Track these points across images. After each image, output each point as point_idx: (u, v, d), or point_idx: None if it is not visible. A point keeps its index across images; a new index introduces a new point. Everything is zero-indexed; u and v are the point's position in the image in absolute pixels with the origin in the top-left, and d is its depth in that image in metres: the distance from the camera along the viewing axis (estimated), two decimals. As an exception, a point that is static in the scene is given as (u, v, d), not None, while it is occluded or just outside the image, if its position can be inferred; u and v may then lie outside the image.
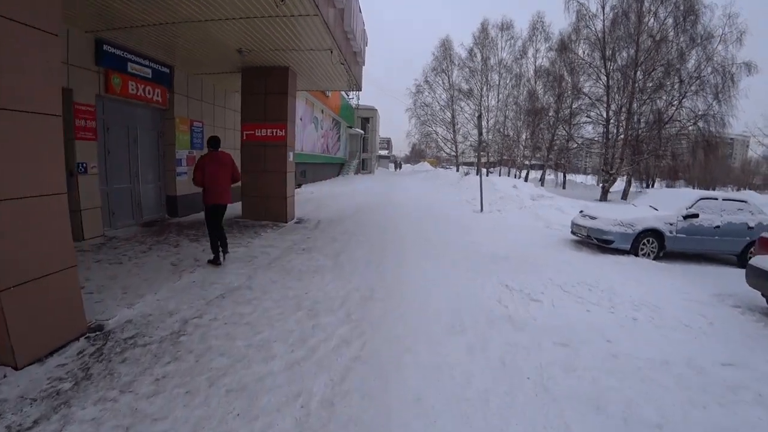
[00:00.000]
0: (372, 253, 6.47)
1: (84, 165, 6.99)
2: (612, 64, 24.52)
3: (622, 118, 24.33)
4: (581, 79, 27.13)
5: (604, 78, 24.89)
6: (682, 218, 7.42)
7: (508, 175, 39.48)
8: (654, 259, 7.36)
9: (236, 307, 4.23)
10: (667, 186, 30.53)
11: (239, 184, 7.34)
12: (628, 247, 7.31)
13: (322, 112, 23.66)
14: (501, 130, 39.15)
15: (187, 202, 9.95)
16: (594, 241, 7.63)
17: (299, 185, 18.66)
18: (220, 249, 5.88)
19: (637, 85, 23.00)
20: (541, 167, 44.32)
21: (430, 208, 12.42)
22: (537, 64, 37.37)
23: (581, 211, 8.63)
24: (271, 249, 6.90)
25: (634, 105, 23.38)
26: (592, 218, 7.84)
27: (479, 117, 11.98)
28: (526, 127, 38.28)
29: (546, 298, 4.70)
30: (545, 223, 10.49)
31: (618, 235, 7.28)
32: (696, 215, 7.42)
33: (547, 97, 36.26)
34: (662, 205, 7.96)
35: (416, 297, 4.50)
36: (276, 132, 9.38)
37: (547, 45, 36.49)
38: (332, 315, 3.92)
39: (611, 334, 3.84)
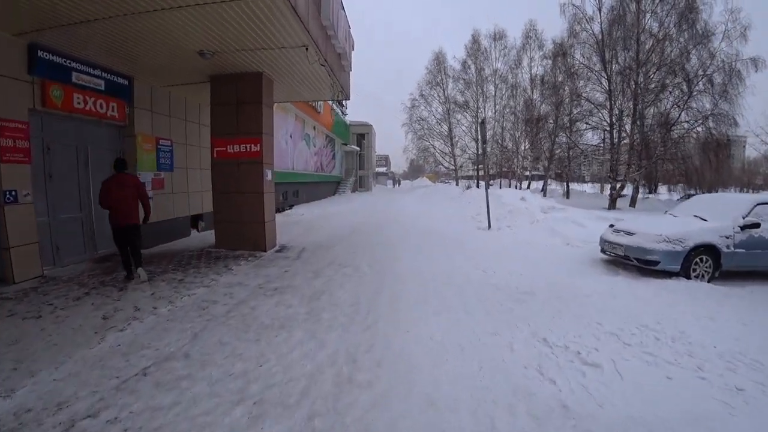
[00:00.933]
0: (360, 293, 5.04)
1: (13, 193, 5.66)
2: (612, 66, 23.42)
3: (627, 121, 23.11)
4: (580, 84, 26.00)
5: (605, 82, 23.75)
6: (739, 229, 5.99)
7: (509, 187, 38.25)
8: (709, 281, 5.91)
9: (154, 395, 2.84)
10: (669, 190, 29.11)
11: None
12: (677, 268, 5.85)
13: (314, 128, 22.47)
14: (499, 141, 38.04)
15: (154, 231, 8.58)
16: (633, 261, 6.18)
17: (291, 206, 17.30)
18: (133, 265, 5.95)
19: (640, 86, 21.80)
20: (542, 177, 43.17)
21: (431, 227, 11.02)
22: (532, 72, 36.53)
23: (612, 226, 7.19)
24: (237, 289, 5.49)
25: (639, 107, 22.12)
26: (629, 234, 6.39)
27: (482, 123, 10.67)
28: (525, 137, 37.23)
29: (604, 358, 3.25)
30: (563, 239, 9.07)
31: (664, 254, 5.83)
32: (757, 224, 5.99)
33: (544, 105, 35.35)
34: (710, 213, 6.53)
35: (419, 376, 3.05)
36: (250, 147, 8.05)
37: (541, 53, 35.73)
38: (285, 418, 2.47)
39: (722, 427, 2.41)
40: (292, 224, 11.79)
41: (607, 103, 24.00)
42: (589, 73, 24.95)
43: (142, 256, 6.15)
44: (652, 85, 21.84)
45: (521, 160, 38.06)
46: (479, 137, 10.74)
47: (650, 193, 36.19)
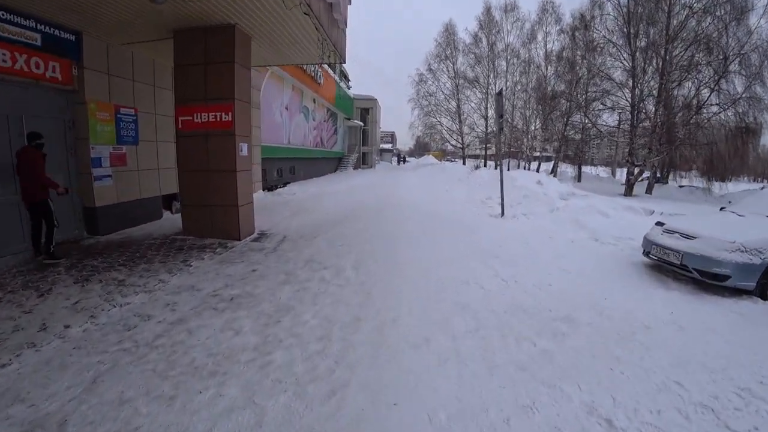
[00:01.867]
0: (335, 317, 3.69)
1: None
2: (637, 42, 21.45)
3: (649, 102, 21.30)
4: (600, 61, 24.04)
5: (628, 58, 21.84)
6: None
7: (518, 169, 36.58)
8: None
9: None
10: (680, 177, 27.17)
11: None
12: (752, 286, 4.49)
13: (314, 101, 20.87)
14: (509, 120, 36.16)
15: (114, 214, 7.31)
16: (692, 273, 4.81)
17: (285, 184, 15.94)
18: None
19: (667, 64, 19.91)
20: (550, 159, 41.43)
21: (436, 212, 9.65)
22: (548, 48, 34.39)
23: (660, 224, 5.75)
24: (184, 298, 4.22)
25: (665, 87, 20.24)
26: (687, 237, 4.99)
27: (499, 94, 9.14)
28: (537, 117, 35.39)
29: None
30: (590, 233, 7.68)
31: (738, 267, 4.40)
32: None
33: (558, 83, 33.43)
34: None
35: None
36: (221, 116, 6.64)
37: (558, 27, 33.60)
38: None
39: None
40: (280, 205, 10.46)
41: (629, 82, 22.17)
42: (611, 49, 23.00)
43: (94, 245, 5.40)
44: (683, 62, 19.88)
45: (531, 140, 36.29)
46: (494, 111, 9.16)
47: (661, 179, 34.64)
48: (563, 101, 31.92)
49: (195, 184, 6.92)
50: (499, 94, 9.09)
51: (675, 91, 20.67)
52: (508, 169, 34.69)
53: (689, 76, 20.03)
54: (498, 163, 9.46)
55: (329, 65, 24.43)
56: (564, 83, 32.06)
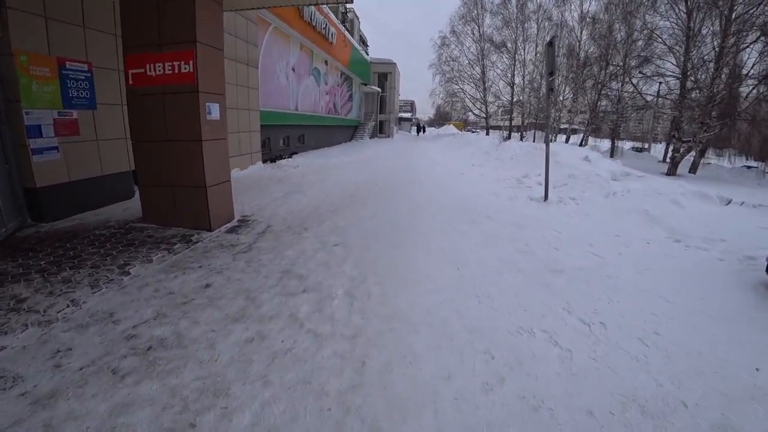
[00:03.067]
0: (300, 413, 2.08)
1: None
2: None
3: (704, 70, 18.55)
4: (645, 21, 21.14)
5: (683, 15, 18.95)
6: None
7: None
8: None
9: None
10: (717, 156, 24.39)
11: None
12: None
13: (326, 63, 18.82)
14: (537, 88, 33.35)
15: (63, 195, 5.76)
16: None
17: (291, 155, 14.23)
18: None
19: (733, 23, 17.08)
20: (575, 132, 38.62)
21: (464, 195, 7.85)
22: (583, 8, 31.08)
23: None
24: (85, 341, 2.66)
25: (732, 49, 17.43)
26: None
27: (550, 44, 7.04)
28: (566, 86, 32.48)
29: None
30: (666, 229, 5.82)
31: None
32: None
33: (592, 49, 30.39)
34: None
35: None
36: (179, 67, 4.90)
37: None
38: None
39: None
40: (277, 181, 8.81)
41: (681, 45, 19.36)
42: (663, 4, 20.06)
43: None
44: (756, 20, 16.95)
45: (559, 111, 33.44)
46: (544, 66, 7.16)
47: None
48: (596, 69, 29.21)
49: (152, 159, 5.28)
50: (551, 44, 7.03)
51: (740, 55, 17.87)
52: (534, 141, 32.33)
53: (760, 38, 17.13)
54: (546, 135, 7.50)
55: (342, 21, 22.17)
56: (599, 48, 29.20)
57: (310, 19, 14.73)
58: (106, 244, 4.77)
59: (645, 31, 20.93)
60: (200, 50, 4.83)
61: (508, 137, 26.45)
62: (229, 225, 5.61)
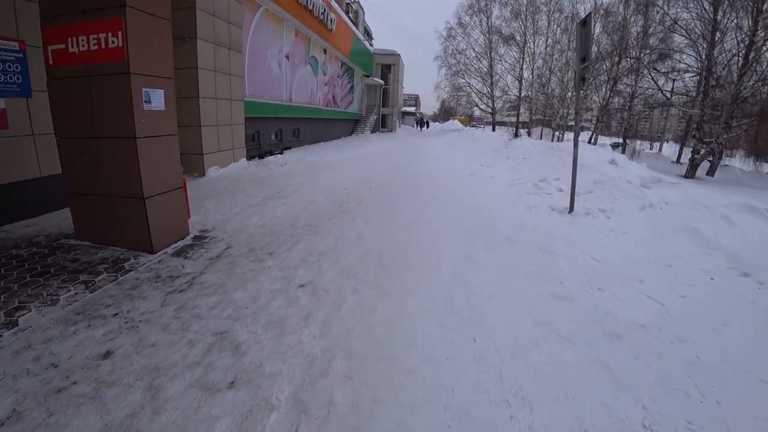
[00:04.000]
0: None
1: None
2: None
3: (731, 65, 17.13)
4: (666, 11, 19.68)
5: (708, 6, 17.49)
6: None
7: (553, 139, 32.61)
8: None
9: None
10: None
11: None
12: None
13: (325, 52, 17.53)
14: (546, 84, 31.93)
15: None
16: None
17: (282, 150, 13.02)
18: None
19: (763, 16, 15.64)
20: (582, 129, 37.21)
21: (474, 202, 6.68)
22: (597, 1, 29.51)
23: None
24: None
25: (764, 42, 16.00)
26: None
27: (584, 24, 5.72)
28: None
29: None
30: (727, 257, 4.59)
31: None
32: None
33: (604, 44, 28.94)
34: None
35: None
36: (105, 40, 3.69)
37: (609, -26, 28.70)
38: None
39: None
40: (255, 183, 7.62)
41: (705, 39, 17.93)
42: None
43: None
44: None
45: (567, 107, 32.00)
46: (576, 51, 5.87)
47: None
48: (608, 64, 27.91)
49: (80, 160, 4.10)
50: (584, 23, 5.73)
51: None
52: (541, 137, 30.96)
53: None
54: (575, 133, 6.21)
55: (347, 12, 20.84)
56: (613, 42, 27.82)
57: (307, 1, 13.44)
58: (14, 270, 3.63)
59: (667, 22, 19.45)
60: (132, 18, 3.62)
61: (516, 133, 25.07)
62: (179, 244, 4.43)
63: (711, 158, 19.19)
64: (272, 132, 13.14)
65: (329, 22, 16.08)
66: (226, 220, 5.27)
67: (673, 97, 22.14)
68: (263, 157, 11.07)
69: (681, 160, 26.20)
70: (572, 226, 5.74)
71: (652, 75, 20.42)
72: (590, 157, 8.89)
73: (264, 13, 11.47)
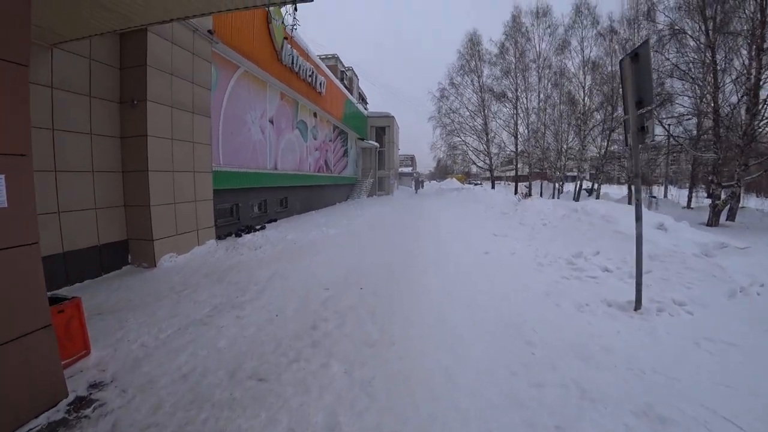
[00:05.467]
0: None
1: None
2: (714, 23, 16.36)
3: (745, 103, 15.99)
4: (668, 57, 19.01)
5: (707, 52, 16.69)
6: None
7: (555, 193, 31.22)
8: None
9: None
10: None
11: None
12: None
13: (315, 116, 16.41)
14: (542, 138, 31.15)
15: None
16: None
17: (268, 222, 11.30)
18: None
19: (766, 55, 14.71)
20: (574, 179, 36.10)
21: (500, 303, 4.76)
22: (585, 54, 29.47)
23: None
24: None
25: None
26: None
27: (635, 57, 4.05)
28: (571, 132, 30.27)
29: None
30: None
31: None
32: None
33: (595, 95, 28.61)
34: None
35: None
36: None
37: (595, 30, 28.89)
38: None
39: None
40: (213, 280, 5.71)
41: (705, 81, 17.01)
42: (682, 39, 17.88)
43: None
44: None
45: (564, 160, 30.98)
46: (624, 92, 4.17)
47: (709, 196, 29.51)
48: (602, 114, 27.45)
49: None
50: (636, 57, 4.15)
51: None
52: (556, 195, 29.53)
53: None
54: (635, 192, 4.41)
55: (341, 79, 20.16)
56: (604, 95, 27.45)
57: (292, 63, 12.36)
58: None
59: (665, 67, 18.67)
60: None
61: (529, 193, 23.42)
62: (38, 423, 2.48)
63: (732, 202, 17.58)
64: (254, 204, 11.50)
65: (318, 85, 15.06)
66: (139, 360, 3.32)
67: (675, 141, 21.15)
68: (240, 235, 9.30)
69: (692, 205, 24.85)
70: (652, 338, 3.76)
71: (661, 122, 19.23)
72: (628, 222, 7.10)
73: (243, 75, 10.25)
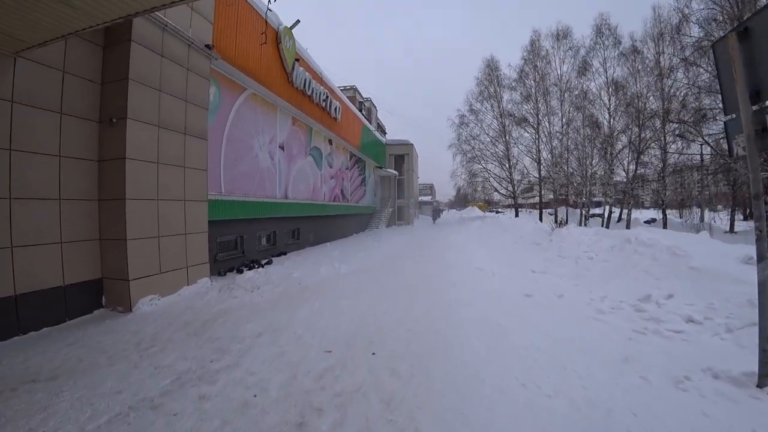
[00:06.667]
0: None
1: None
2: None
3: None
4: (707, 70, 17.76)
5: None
6: None
7: (583, 219, 29.40)
8: None
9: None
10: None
11: None
12: None
13: (330, 143, 15.58)
14: (566, 162, 29.69)
15: None
16: None
17: (269, 259, 10.22)
18: None
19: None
20: (599, 204, 34.22)
21: (562, 366, 3.48)
22: (608, 75, 28.31)
23: None
24: None
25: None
26: None
27: (746, 30, 2.94)
28: (596, 156, 28.75)
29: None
30: None
31: None
32: None
33: (618, 117, 27.34)
34: None
35: None
36: None
37: (617, 51, 27.81)
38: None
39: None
40: (189, 333, 4.53)
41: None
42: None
43: None
44: None
45: (589, 185, 29.35)
46: (718, 80, 2.95)
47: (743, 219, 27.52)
48: (630, 136, 26.22)
49: None
50: (745, 34, 2.96)
51: None
52: (584, 220, 27.80)
53: None
54: (758, 228, 3.23)
55: (360, 110, 19.52)
56: (629, 116, 26.24)
57: (304, 86, 11.59)
58: None
59: (702, 80, 17.37)
60: None
61: (565, 221, 21.74)
62: None
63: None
64: (262, 235, 10.48)
65: (333, 110, 14.27)
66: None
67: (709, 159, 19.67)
68: (242, 272, 8.22)
69: (735, 229, 23.11)
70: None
71: (703, 138, 17.72)
72: (704, 256, 5.68)
73: (250, 97, 9.45)
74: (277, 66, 10.15)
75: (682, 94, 20.13)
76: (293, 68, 10.84)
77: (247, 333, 4.33)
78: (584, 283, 6.47)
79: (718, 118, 18.12)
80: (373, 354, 3.70)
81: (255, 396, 2.99)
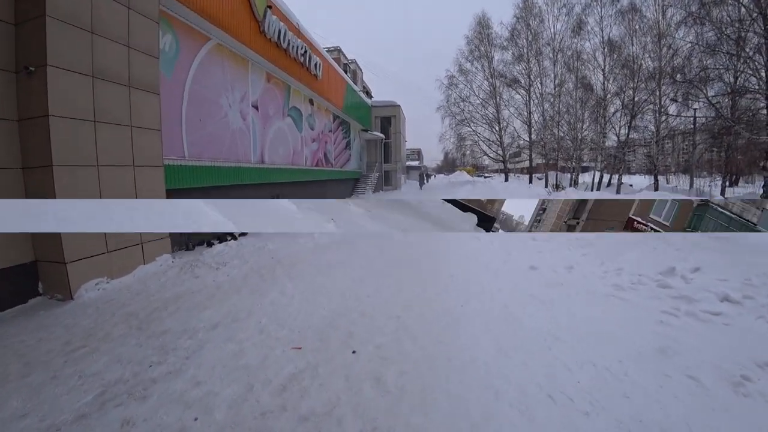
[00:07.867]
0: None
1: None
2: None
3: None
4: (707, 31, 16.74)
5: (756, 21, 14.44)
6: None
7: (594, 184, 28.85)
8: None
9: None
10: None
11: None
12: None
13: (311, 103, 14.39)
14: (557, 125, 28.85)
15: None
16: None
17: (241, 233, 9.30)
18: None
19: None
20: (586, 170, 33.76)
21: (588, 358, 2.83)
22: (604, 35, 27.05)
23: None
24: None
25: None
26: None
27: None
28: (587, 118, 27.94)
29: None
30: None
31: None
32: None
33: (613, 79, 26.33)
34: None
35: None
36: None
37: (614, 9, 26.42)
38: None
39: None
40: (131, 326, 3.79)
41: (758, 54, 14.78)
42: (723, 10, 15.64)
43: None
44: None
45: (580, 149, 28.68)
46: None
47: (730, 185, 27.26)
48: (624, 99, 25.28)
49: None
50: None
51: None
52: (572, 184, 27.29)
53: None
54: None
55: (345, 72, 18.10)
56: (624, 77, 25.25)
57: (279, 38, 10.37)
58: None
59: (707, 39, 16.40)
60: None
61: (530, 180, 20.96)
62: None
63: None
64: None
65: (313, 66, 13.05)
66: None
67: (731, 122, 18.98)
68: (212, 244, 7.40)
69: (727, 197, 22.96)
70: None
71: (708, 98, 16.95)
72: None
73: (216, 49, 8.30)
74: (245, 11, 8.92)
75: (685, 51, 19.07)
76: (265, 15, 9.59)
77: (201, 323, 3.57)
78: (593, 252, 5.83)
79: (723, 78, 17.29)
80: (354, 353, 2.98)
81: (196, 420, 2.25)
